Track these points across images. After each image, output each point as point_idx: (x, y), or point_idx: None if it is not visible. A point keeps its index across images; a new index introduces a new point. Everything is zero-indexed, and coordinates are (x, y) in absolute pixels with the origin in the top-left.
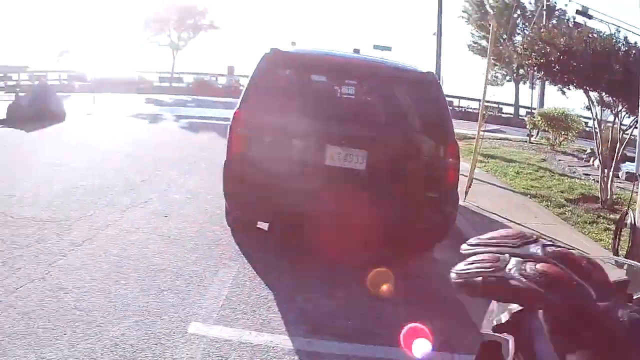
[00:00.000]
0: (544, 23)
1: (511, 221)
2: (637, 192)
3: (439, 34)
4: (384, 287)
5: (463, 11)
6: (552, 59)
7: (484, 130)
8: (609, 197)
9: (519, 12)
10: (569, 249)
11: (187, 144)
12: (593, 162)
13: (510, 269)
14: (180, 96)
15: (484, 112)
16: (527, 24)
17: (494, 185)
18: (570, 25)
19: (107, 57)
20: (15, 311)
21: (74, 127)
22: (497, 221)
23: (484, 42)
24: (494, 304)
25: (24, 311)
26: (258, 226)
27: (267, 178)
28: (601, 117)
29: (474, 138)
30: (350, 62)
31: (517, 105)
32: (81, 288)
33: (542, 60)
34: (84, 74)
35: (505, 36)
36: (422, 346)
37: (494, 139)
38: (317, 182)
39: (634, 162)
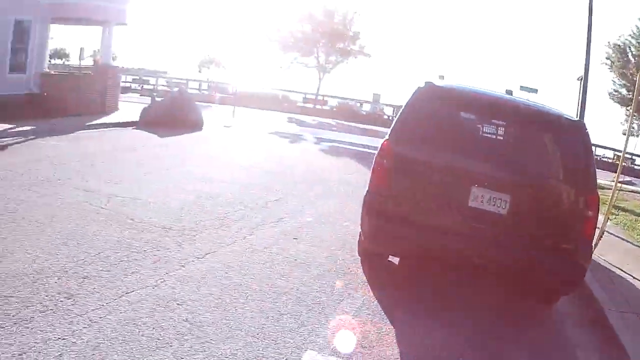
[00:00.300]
0: None
1: (635, 277)
2: None
3: (585, 79)
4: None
5: (606, 58)
6: None
7: (621, 182)
8: None
9: None
10: None
11: (327, 167)
12: None
13: None
14: (323, 119)
15: (623, 163)
16: None
17: (622, 239)
18: None
19: (251, 72)
20: (121, 315)
21: (211, 138)
22: (620, 276)
23: (624, 91)
24: None
25: (130, 317)
26: (389, 259)
27: (407, 213)
28: None
29: (607, 188)
30: (503, 103)
31: None
32: (196, 301)
33: None
34: (225, 86)
35: None
36: None
37: (625, 190)
38: (457, 222)
39: None
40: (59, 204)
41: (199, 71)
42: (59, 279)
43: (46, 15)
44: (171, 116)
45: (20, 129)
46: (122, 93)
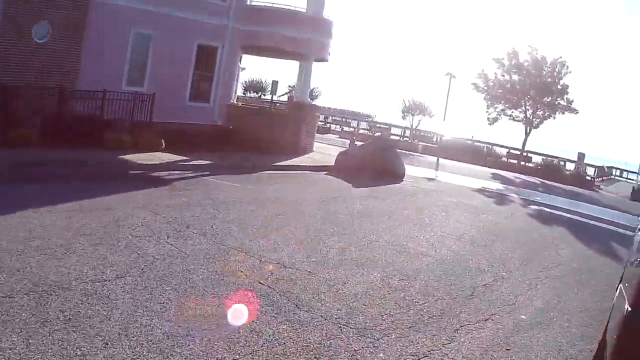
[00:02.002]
0: None
1: None
2: None
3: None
4: None
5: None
6: None
7: None
8: None
9: None
10: None
11: (538, 239)
12: None
13: None
14: (527, 177)
15: None
16: None
17: None
18: None
19: (456, 121)
20: None
21: (411, 193)
22: None
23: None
24: None
25: None
26: None
27: None
28: None
29: None
30: None
31: None
32: None
33: None
34: (429, 134)
35: None
36: None
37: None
38: None
39: None
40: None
41: (403, 117)
42: None
43: (236, 43)
44: (370, 163)
45: (196, 162)
46: (320, 133)
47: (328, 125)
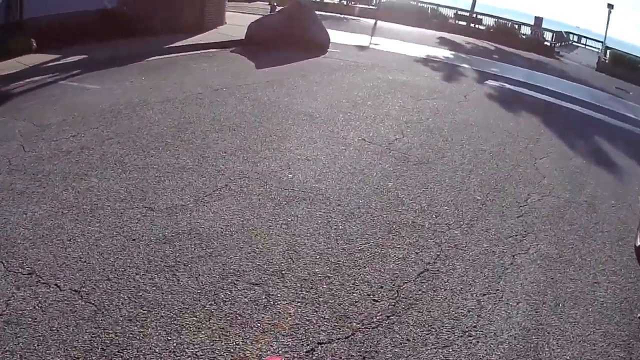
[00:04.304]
0: None
1: None
2: None
3: None
4: None
5: None
6: None
7: None
8: None
9: None
10: None
11: (505, 142)
12: None
13: None
14: (479, 41)
15: None
16: None
17: None
18: None
19: None
20: None
21: (328, 70)
22: None
23: None
24: None
25: None
26: None
27: None
28: None
29: None
30: None
31: None
32: None
33: None
34: None
35: None
36: None
37: None
38: None
39: None
40: None
41: None
42: None
43: None
44: (287, 34)
45: (67, 60)
46: (247, 1)
47: None
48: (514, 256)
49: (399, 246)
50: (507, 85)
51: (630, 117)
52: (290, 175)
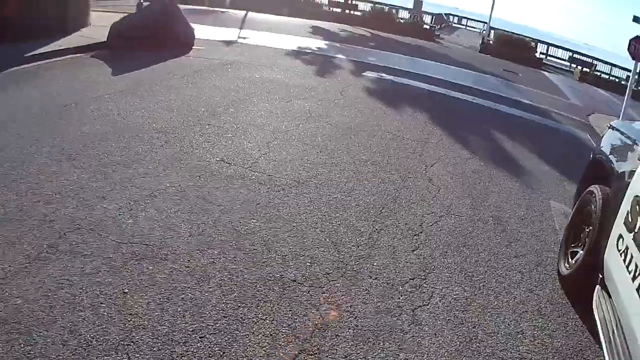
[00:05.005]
0: None
1: None
2: None
3: None
4: None
5: None
6: None
7: None
8: None
9: None
10: None
11: (391, 146)
12: None
13: None
14: (355, 28)
15: None
16: None
17: None
18: None
19: None
20: None
21: (194, 70)
22: None
23: None
24: None
25: None
26: None
27: None
28: None
29: None
30: None
31: None
32: None
33: None
34: None
35: None
36: None
37: None
38: None
39: None
40: None
41: None
42: None
43: None
44: (148, 34)
45: None
46: None
47: None
48: (414, 311)
49: (264, 319)
50: (387, 76)
51: (524, 103)
52: (131, 222)
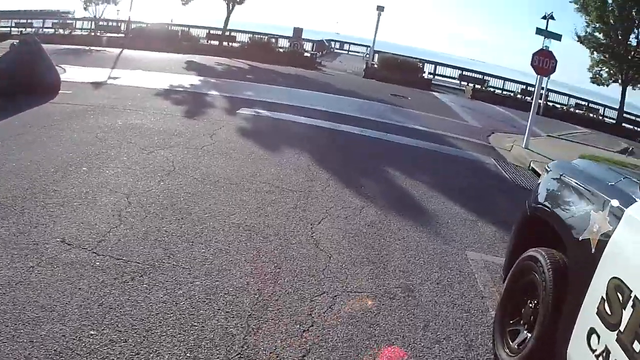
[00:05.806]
0: None
1: None
2: None
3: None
4: None
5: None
6: None
7: None
8: None
9: None
10: None
11: (266, 203)
12: None
13: None
14: (231, 61)
15: None
16: None
17: None
18: None
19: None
20: None
21: (51, 121)
22: None
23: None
24: None
25: None
26: None
27: None
28: None
29: None
30: None
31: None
32: None
33: None
34: (118, 25)
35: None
36: None
37: None
38: None
39: None
40: None
41: (85, 7)
42: None
43: None
44: (10, 79)
45: None
46: None
47: (8, 29)
48: None
49: None
50: (264, 112)
51: (418, 130)
52: None
